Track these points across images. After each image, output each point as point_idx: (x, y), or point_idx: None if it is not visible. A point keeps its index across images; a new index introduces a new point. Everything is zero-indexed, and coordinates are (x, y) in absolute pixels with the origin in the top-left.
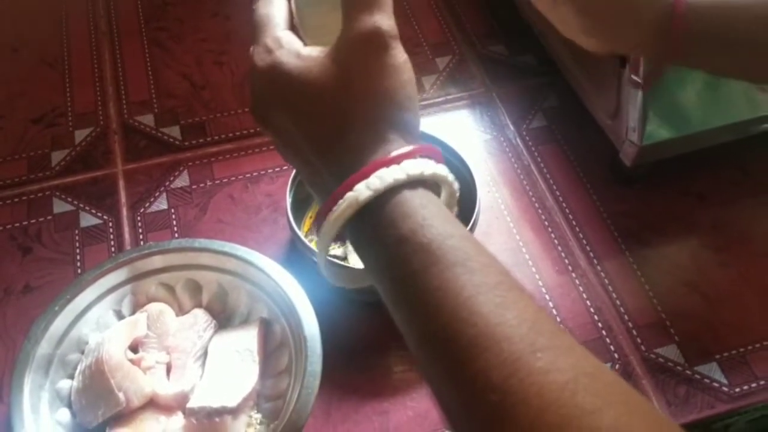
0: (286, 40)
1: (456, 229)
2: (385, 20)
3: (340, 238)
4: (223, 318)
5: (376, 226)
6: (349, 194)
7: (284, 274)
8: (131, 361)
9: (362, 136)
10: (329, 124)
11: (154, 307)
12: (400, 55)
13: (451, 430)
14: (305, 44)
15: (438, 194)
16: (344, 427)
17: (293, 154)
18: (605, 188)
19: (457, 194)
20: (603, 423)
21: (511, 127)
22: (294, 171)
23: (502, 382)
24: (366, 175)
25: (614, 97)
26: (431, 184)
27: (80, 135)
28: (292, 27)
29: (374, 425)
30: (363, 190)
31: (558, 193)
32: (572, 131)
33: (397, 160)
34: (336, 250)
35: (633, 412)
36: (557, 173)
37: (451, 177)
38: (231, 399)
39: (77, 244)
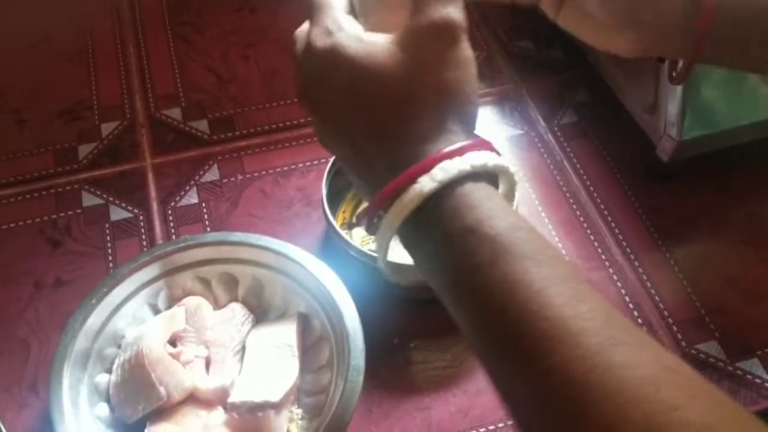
0: (347, 23)
1: (522, 222)
2: (457, 12)
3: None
4: (259, 312)
5: (438, 219)
6: (413, 186)
7: (324, 268)
8: (170, 355)
9: (427, 126)
10: (393, 112)
11: (191, 301)
12: (468, 48)
13: (519, 426)
14: (365, 29)
15: (496, 187)
16: (386, 423)
17: (342, 141)
18: (638, 184)
19: (516, 187)
20: (690, 417)
21: (542, 123)
22: (330, 164)
23: (582, 376)
24: (429, 167)
25: (652, 92)
26: (490, 177)
27: (107, 128)
28: (350, 11)
29: (416, 421)
30: (427, 182)
31: (592, 188)
32: (603, 126)
33: (461, 151)
34: (371, 244)
35: (718, 405)
36: (590, 169)
37: (512, 169)
38: (274, 393)
39: (108, 238)
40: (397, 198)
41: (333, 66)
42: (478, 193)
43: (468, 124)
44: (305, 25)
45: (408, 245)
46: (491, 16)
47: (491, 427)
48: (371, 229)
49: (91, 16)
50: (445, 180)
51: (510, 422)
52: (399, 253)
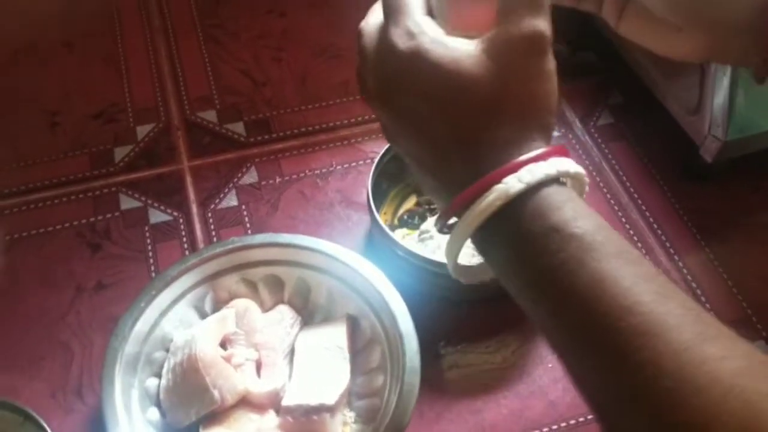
0: (428, 26)
1: (604, 223)
2: (545, 24)
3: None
4: (305, 314)
5: (521, 219)
6: (498, 186)
7: (373, 269)
8: (222, 358)
9: (513, 133)
10: (481, 119)
11: (240, 303)
12: (553, 60)
13: (605, 423)
14: (445, 32)
15: None
16: (439, 426)
17: (420, 145)
18: (678, 184)
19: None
20: None
21: (578, 125)
22: (374, 165)
23: (676, 369)
24: (515, 169)
25: (696, 92)
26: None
27: (142, 131)
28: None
29: (469, 425)
30: (514, 183)
31: (632, 189)
32: (640, 128)
33: (545, 156)
34: (415, 243)
35: None
36: (629, 170)
37: (587, 178)
38: (329, 396)
39: (148, 241)
40: (479, 198)
41: (416, 70)
42: (560, 195)
43: (548, 133)
44: (374, 20)
45: (484, 245)
46: None
47: (545, 430)
48: (445, 230)
49: (119, 20)
50: (531, 182)
51: (563, 424)
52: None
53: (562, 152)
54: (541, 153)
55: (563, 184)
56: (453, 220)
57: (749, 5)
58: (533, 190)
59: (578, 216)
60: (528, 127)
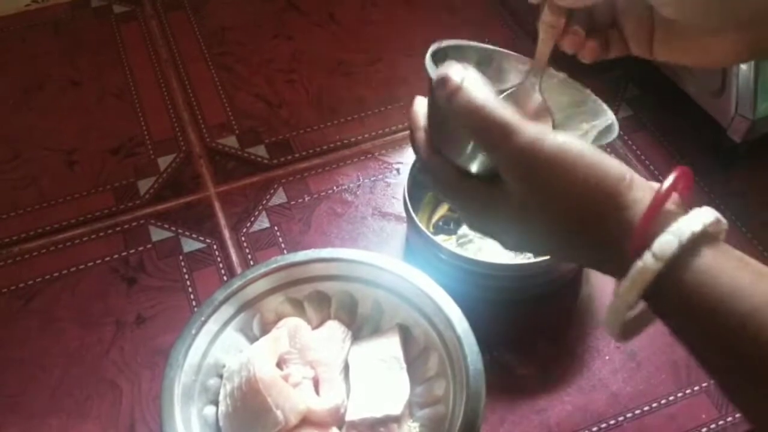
0: (534, 125)
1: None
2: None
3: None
4: (354, 328)
5: (683, 283)
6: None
7: (421, 276)
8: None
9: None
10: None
11: (290, 322)
12: None
13: None
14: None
15: None
16: (504, 428)
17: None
18: (706, 170)
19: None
20: None
21: None
22: (408, 174)
23: None
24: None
25: (718, 74)
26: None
27: (164, 162)
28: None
29: (534, 424)
30: (651, 260)
31: (661, 179)
32: (659, 117)
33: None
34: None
35: None
36: (655, 159)
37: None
38: (394, 407)
39: (184, 270)
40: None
41: (564, 168)
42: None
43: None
44: (443, 165)
45: (671, 309)
46: (528, 20)
47: (612, 422)
48: None
49: (125, 54)
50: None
51: (629, 415)
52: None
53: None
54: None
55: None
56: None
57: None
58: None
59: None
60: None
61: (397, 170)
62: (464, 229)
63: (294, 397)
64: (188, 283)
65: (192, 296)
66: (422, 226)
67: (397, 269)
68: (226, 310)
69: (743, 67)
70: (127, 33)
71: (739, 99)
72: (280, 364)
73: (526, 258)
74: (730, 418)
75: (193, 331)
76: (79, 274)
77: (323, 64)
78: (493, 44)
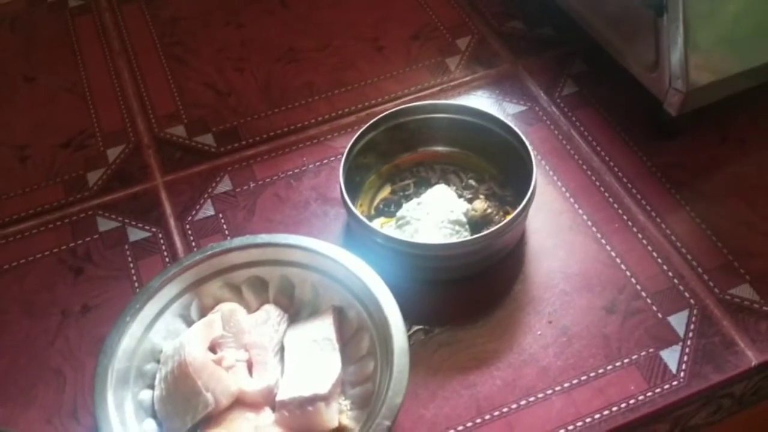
0: None
1: None
2: None
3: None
4: (292, 312)
5: None
6: None
7: (353, 259)
8: (213, 361)
9: None
10: None
11: (226, 307)
12: None
13: None
14: None
15: None
16: (434, 404)
17: None
18: (648, 143)
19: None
20: None
21: (544, 96)
22: (343, 160)
23: None
24: None
25: (652, 49)
26: None
27: (113, 153)
28: None
29: (464, 399)
30: None
31: (603, 153)
32: (604, 93)
33: None
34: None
35: None
36: (598, 135)
37: None
38: (321, 386)
39: (129, 259)
40: None
41: None
42: None
43: None
44: None
45: None
46: (479, 1)
47: (540, 395)
48: None
49: (79, 48)
50: None
51: (558, 388)
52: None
53: None
54: None
55: None
56: None
57: None
58: None
59: None
60: None
61: (342, 155)
62: (403, 211)
63: (226, 380)
64: (133, 272)
65: (136, 285)
66: (355, 210)
67: (330, 253)
68: (164, 297)
69: (677, 41)
70: (81, 27)
71: (672, 72)
72: (214, 348)
73: (458, 238)
74: (658, 390)
75: (128, 319)
76: (27, 266)
77: (273, 51)
78: (440, 21)
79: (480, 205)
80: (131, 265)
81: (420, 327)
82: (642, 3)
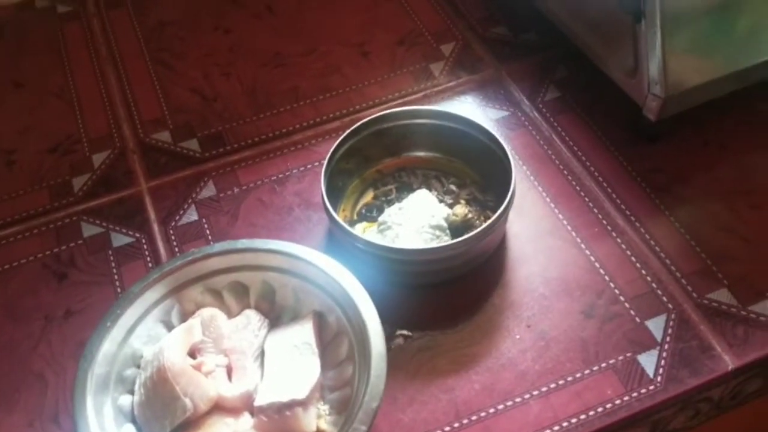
0: None
1: None
2: None
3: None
4: (273, 316)
5: None
6: None
7: (333, 264)
8: (192, 367)
9: None
10: None
11: (205, 312)
12: None
13: None
14: None
15: None
16: (412, 408)
17: None
18: (628, 148)
19: None
20: None
21: (527, 102)
22: (325, 165)
23: None
24: None
25: (631, 54)
26: None
27: (98, 159)
28: None
29: (442, 404)
30: None
31: (584, 158)
32: (586, 98)
33: None
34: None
35: None
36: (579, 140)
37: None
38: (299, 391)
39: (113, 264)
40: None
41: None
42: None
43: None
44: None
45: None
46: (463, 7)
47: (518, 399)
48: None
49: (67, 54)
50: None
51: (535, 392)
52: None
53: None
54: None
55: None
56: None
57: None
58: None
59: None
60: None
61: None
62: (384, 216)
63: (204, 385)
64: (116, 277)
65: (119, 290)
66: (336, 216)
67: (310, 257)
68: (145, 302)
69: (654, 47)
70: (70, 33)
71: (650, 78)
72: (194, 353)
73: (438, 243)
74: (635, 394)
75: (108, 324)
76: (12, 272)
77: (259, 56)
78: (424, 27)
79: (461, 210)
80: (114, 270)
81: (400, 331)
82: (620, 9)
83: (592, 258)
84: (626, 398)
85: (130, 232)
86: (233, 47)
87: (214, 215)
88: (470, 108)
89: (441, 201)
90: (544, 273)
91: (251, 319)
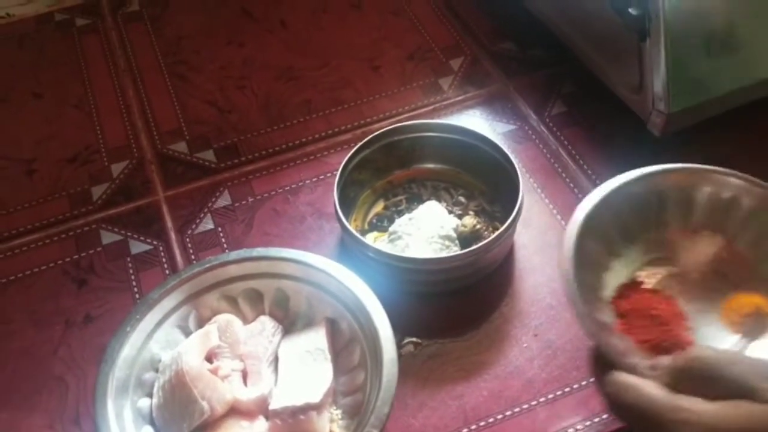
0: None
1: None
2: None
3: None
4: (287, 323)
5: None
6: None
7: (346, 272)
8: (209, 371)
9: None
10: None
11: (222, 318)
12: None
13: None
14: None
15: None
16: (422, 414)
17: None
18: (633, 162)
19: None
20: None
21: (534, 116)
22: (338, 176)
23: None
24: None
25: (636, 71)
26: None
27: (117, 168)
28: None
29: (451, 410)
30: None
31: (590, 172)
32: (593, 113)
33: None
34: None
35: None
36: (586, 154)
37: None
38: (313, 395)
39: (131, 271)
40: None
41: None
42: None
43: None
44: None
45: None
46: (472, 23)
47: (525, 406)
48: None
49: (86, 65)
50: None
51: (542, 399)
52: (415, 249)
53: None
54: None
55: None
56: None
57: None
58: None
59: None
60: None
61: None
62: (395, 226)
63: (221, 388)
64: (134, 283)
65: (137, 296)
66: (348, 225)
67: (323, 266)
68: (163, 308)
69: (659, 64)
70: (88, 45)
71: (655, 94)
72: (210, 358)
73: (448, 253)
74: None
75: (128, 329)
76: (32, 278)
77: (273, 69)
78: (434, 43)
79: (469, 221)
80: (132, 276)
81: (410, 339)
82: (625, 26)
83: None
84: None
85: (148, 240)
86: (247, 61)
87: (229, 224)
88: (478, 122)
89: (450, 212)
90: (550, 283)
91: (266, 325)
